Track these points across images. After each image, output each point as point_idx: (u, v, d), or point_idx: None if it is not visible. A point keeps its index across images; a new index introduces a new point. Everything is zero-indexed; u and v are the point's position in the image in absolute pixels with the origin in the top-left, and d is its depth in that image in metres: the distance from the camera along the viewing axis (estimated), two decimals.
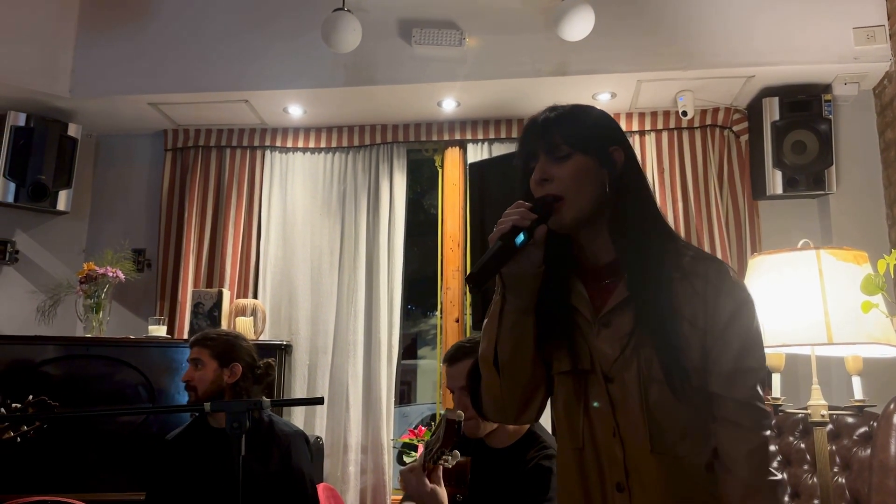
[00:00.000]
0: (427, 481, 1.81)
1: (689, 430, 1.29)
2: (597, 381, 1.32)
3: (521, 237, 1.25)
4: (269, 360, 2.64)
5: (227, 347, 2.51)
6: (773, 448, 2.94)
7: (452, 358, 2.22)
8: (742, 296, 1.32)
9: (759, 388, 1.30)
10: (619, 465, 1.29)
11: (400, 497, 3.69)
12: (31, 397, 1.97)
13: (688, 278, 1.31)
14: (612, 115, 4.12)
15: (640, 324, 1.29)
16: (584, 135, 1.33)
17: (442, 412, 1.88)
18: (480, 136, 4.16)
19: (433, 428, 1.88)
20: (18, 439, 1.93)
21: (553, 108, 1.38)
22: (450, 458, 1.84)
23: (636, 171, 1.38)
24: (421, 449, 1.93)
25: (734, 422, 1.28)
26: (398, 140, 4.21)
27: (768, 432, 1.30)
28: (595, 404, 1.33)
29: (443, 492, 1.83)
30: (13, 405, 1.94)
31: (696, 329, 1.29)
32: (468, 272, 1.30)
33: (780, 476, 1.29)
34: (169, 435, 2.62)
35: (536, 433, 2.20)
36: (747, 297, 1.33)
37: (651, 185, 1.56)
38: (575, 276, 1.38)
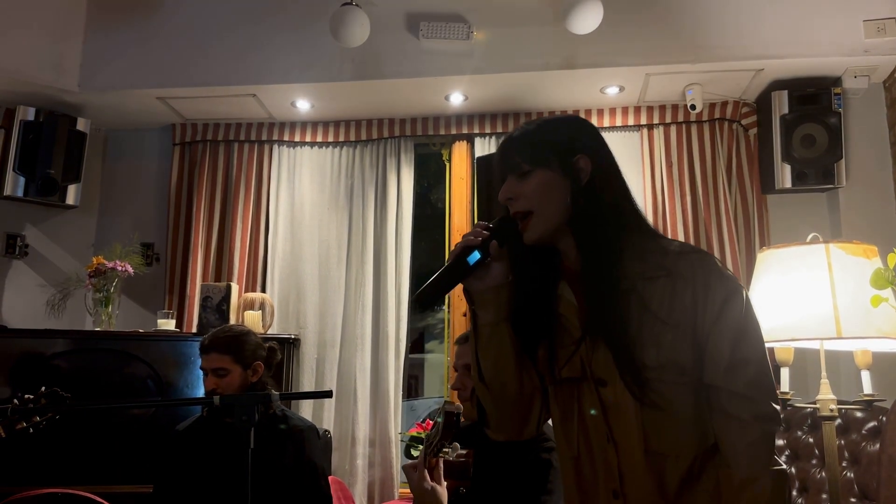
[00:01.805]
0: (428, 478, 1.81)
1: (683, 429, 1.28)
2: (589, 388, 1.32)
3: (475, 255, 1.31)
4: (272, 344, 2.64)
5: (245, 348, 2.48)
6: (780, 442, 2.94)
7: (465, 339, 2.27)
8: (731, 286, 1.31)
9: (760, 378, 1.28)
10: (614, 471, 1.29)
11: (408, 490, 3.71)
12: (43, 388, 1.99)
13: (671, 276, 1.30)
14: (621, 108, 4.13)
15: (589, 325, 1.31)
16: (542, 150, 1.35)
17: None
18: (488, 130, 4.15)
19: (436, 422, 1.89)
20: (31, 430, 1.94)
21: (520, 126, 1.42)
22: (449, 450, 1.85)
23: (607, 176, 1.37)
24: (424, 443, 1.93)
25: (732, 414, 1.27)
26: (406, 134, 4.21)
27: (772, 425, 1.28)
28: (592, 412, 1.32)
29: (443, 490, 1.83)
30: (26, 396, 1.95)
31: (673, 327, 1.27)
32: (416, 292, 1.36)
33: (782, 466, 1.27)
34: (179, 425, 2.61)
35: None
36: (737, 287, 1.32)
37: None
38: (566, 284, 1.39)
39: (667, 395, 1.27)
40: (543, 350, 1.39)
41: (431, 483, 1.81)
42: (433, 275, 1.34)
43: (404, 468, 1.90)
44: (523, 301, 1.37)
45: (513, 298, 1.36)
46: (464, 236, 1.34)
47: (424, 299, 1.33)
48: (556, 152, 1.35)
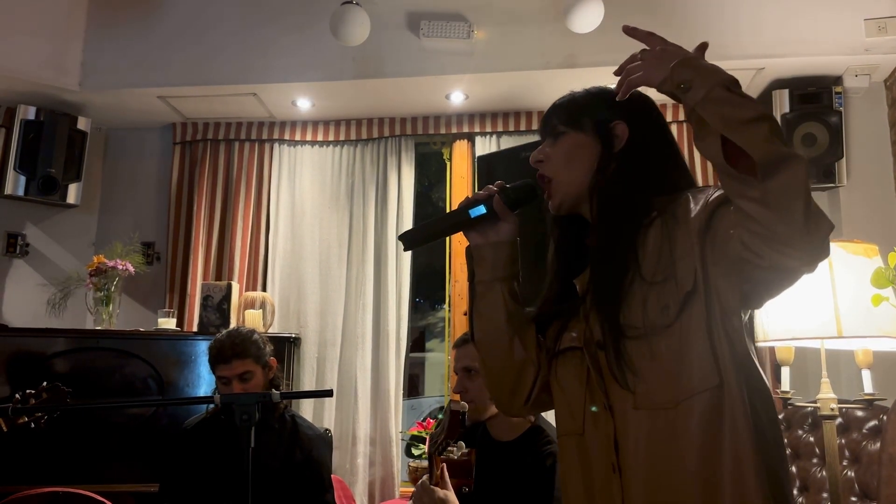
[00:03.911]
0: (436, 490, 1.80)
1: (676, 374, 1.16)
2: (591, 353, 1.25)
3: (479, 209, 1.31)
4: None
5: (259, 346, 2.47)
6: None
7: (462, 341, 2.28)
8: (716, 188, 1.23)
9: None
10: (612, 442, 1.19)
11: (408, 489, 3.71)
12: (45, 383, 2.00)
13: (661, 216, 1.23)
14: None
15: (590, 291, 1.27)
16: (580, 112, 1.33)
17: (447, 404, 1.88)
18: (489, 129, 4.15)
19: (438, 419, 1.88)
20: (33, 425, 1.95)
21: (568, 93, 1.39)
22: (455, 448, 1.84)
23: (644, 148, 1.30)
24: (429, 442, 1.92)
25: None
26: (406, 133, 4.21)
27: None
28: (594, 384, 1.24)
29: (453, 497, 1.82)
30: (27, 391, 1.96)
31: (662, 280, 1.18)
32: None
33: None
34: (187, 423, 2.60)
35: (541, 427, 2.20)
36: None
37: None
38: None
39: (659, 346, 1.17)
40: (558, 323, 1.34)
41: (443, 492, 1.80)
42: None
43: (413, 497, 1.87)
44: (554, 276, 1.36)
45: (514, 259, 1.34)
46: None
47: (412, 236, 1.34)
48: (594, 116, 1.32)
